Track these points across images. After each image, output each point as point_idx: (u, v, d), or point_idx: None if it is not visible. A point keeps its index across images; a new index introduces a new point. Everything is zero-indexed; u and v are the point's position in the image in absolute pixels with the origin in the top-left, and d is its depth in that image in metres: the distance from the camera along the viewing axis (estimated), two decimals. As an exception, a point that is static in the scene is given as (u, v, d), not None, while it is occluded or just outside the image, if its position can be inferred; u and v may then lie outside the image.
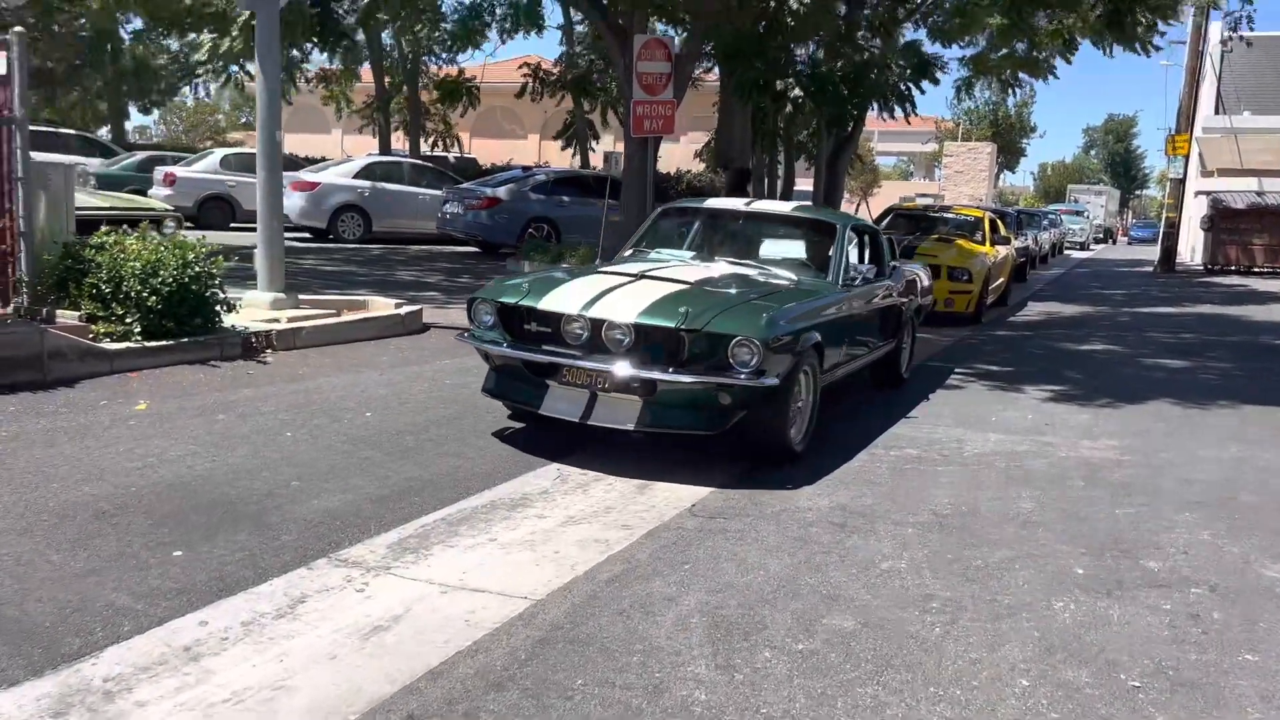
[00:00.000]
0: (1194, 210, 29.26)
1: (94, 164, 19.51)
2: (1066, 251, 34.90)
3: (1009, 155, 48.79)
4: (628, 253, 6.42)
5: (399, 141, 25.99)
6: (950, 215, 14.38)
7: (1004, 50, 25.17)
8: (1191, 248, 28.71)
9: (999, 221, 14.30)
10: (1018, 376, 8.54)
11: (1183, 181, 23.27)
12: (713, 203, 7.30)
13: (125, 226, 6.98)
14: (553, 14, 32.69)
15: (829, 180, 24.35)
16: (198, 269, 6.22)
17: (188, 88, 39.17)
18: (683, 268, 5.86)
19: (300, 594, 3.38)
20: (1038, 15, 21.77)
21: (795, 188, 27.25)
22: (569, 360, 4.94)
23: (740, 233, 6.84)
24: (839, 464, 5.37)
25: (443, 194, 16.54)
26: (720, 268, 5.96)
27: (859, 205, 31.60)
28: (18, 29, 5.81)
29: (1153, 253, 27.73)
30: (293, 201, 16.82)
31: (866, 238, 7.09)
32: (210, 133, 48.63)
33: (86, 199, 8.84)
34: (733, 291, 5.37)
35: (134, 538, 3.69)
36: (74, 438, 4.71)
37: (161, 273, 6.00)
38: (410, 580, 3.56)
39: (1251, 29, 22.21)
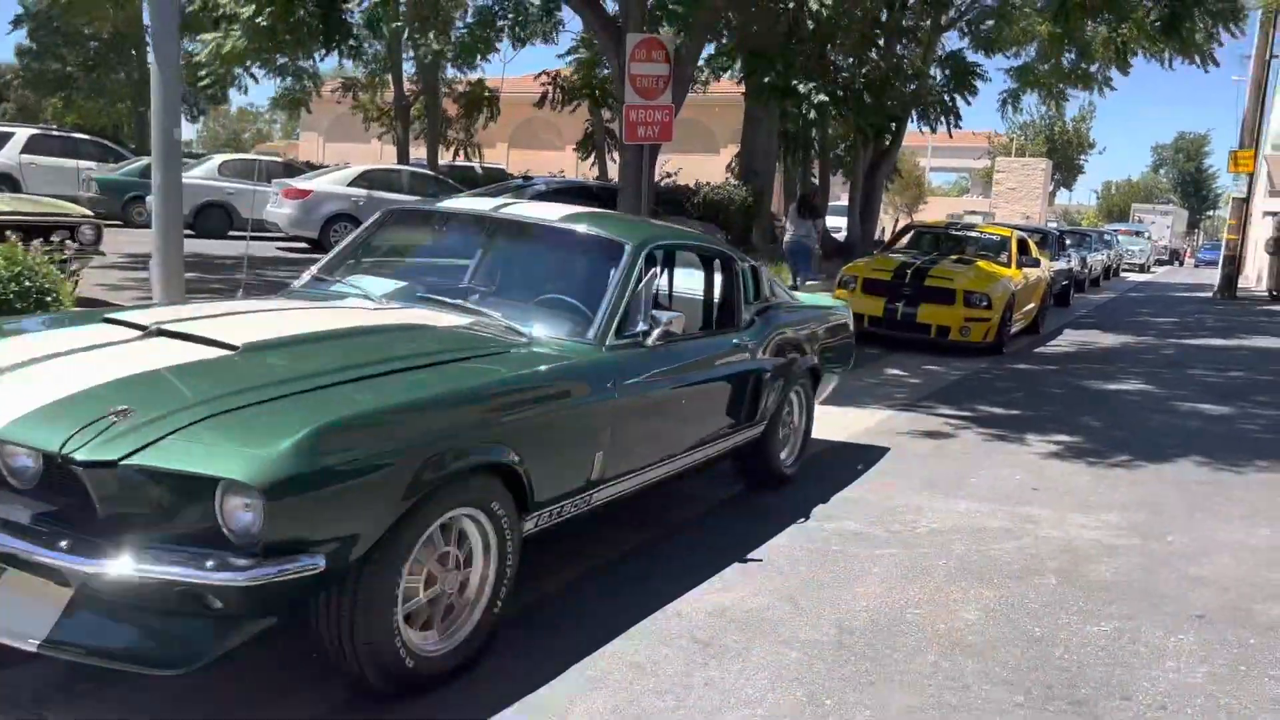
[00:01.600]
0: (1260, 232, 27.43)
1: (96, 168, 19.10)
2: (1124, 274, 33.09)
3: (1067, 172, 46.84)
4: (303, 280, 4.20)
5: (419, 151, 25.35)
6: (974, 234, 13.11)
7: (1052, 61, 23.84)
8: (1259, 272, 26.86)
9: (1029, 242, 12.98)
10: (1023, 422, 7.35)
11: (1246, 200, 21.63)
12: (450, 205, 4.85)
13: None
14: (573, 21, 31.88)
15: (865, 195, 23.24)
16: (26, 282, 5.33)
17: (234, 91, 39.37)
18: (318, 311, 3.64)
19: None
20: (1088, 24, 20.48)
21: (832, 202, 26.10)
22: None
23: (483, 252, 4.37)
24: (757, 540, 4.30)
25: (437, 204, 15.70)
26: (404, 314, 3.64)
27: (897, 222, 30.25)
28: None
29: (1217, 277, 25.98)
30: (283, 210, 16.10)
31: (715, 265, 4.72)
32: (256, 140, 48.80)
33: (-12, 202, 8.06)
34: (311, 367, 2.86)
35: None
36: None
37: (-29, 287, 5.13)
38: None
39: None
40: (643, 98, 12.58)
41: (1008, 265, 11.81)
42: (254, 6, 17.08)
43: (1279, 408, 8.43)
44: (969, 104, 21.50)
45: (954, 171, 72.23)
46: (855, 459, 5.88)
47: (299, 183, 16.37)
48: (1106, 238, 30.22)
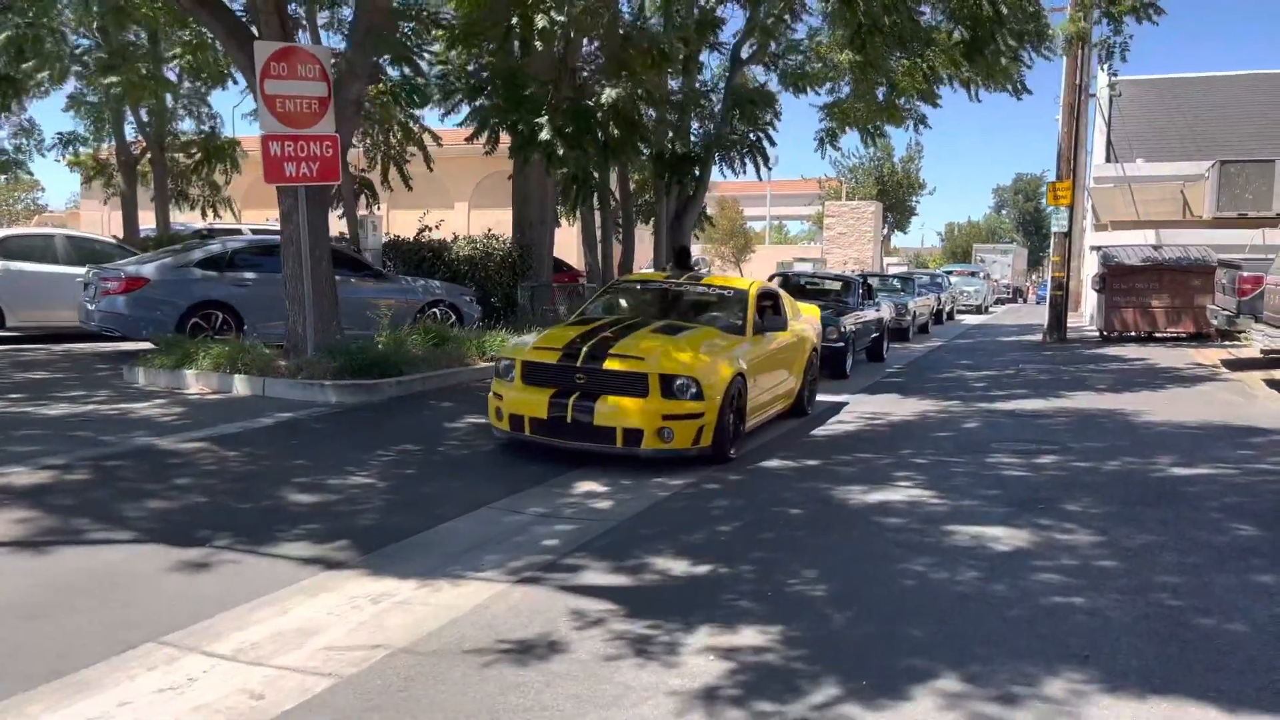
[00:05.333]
0: (1090, 268, 26.22)
1: None
2: (960, 316, 31.68)
3: (899, 214, 45.90)
4: None
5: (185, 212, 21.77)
6: (698, 290, 9.55)
7: (865, 97, 22.14)
8: (1092, 309, 25.53)
9: (781, 297, 9.73)
10: (704, 595, 4.54)
11: (1068, 235, 19.96)
12: None
13: None
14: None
15: (672, 243, 20.81)
16: None
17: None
18: None
19: None
20: (893, 54, 18.76)
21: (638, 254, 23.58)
22: None
23: None
24: None
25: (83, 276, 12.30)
26: None
27: (710, 270, 28.10)
28: None
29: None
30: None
31: None
32: (33, 210, 43.65)
33: None
34: None
35: None
36: None
37: None
38: None
39: (1125, 59, 19.37)
40: (289, 125, 9.56)
41: (741, 331, 8.50)
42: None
43: (1094, 527, 5.83)
44: (774, 144, 19.34)
45: (802, 220, 71.71)
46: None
47: (-97, 260, 12.70)
48: (937, 280, 28.69)
